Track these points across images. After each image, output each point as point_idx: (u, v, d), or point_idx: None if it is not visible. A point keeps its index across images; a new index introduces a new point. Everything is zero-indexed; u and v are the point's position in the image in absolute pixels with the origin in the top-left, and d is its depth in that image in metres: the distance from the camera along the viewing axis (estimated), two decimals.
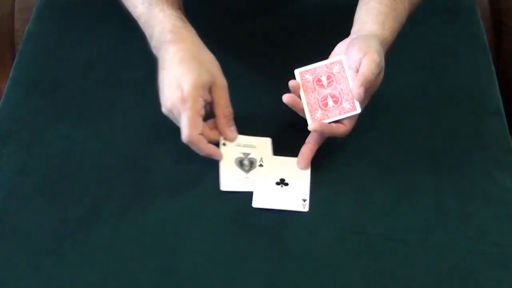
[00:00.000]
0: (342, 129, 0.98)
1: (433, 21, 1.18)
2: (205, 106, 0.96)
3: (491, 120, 1.06)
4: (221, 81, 0.98)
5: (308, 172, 0.99)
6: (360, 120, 1.04)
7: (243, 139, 1.00)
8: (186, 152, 1.01)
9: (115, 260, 0.91)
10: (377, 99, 1.05)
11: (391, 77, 1.08)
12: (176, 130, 1.02)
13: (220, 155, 0.98)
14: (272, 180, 0.98)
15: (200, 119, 0.95)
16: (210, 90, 0.97)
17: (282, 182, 0.98)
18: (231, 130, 0.99)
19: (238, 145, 1.00)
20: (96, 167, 0.99)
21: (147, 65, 1.11)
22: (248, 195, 0.97)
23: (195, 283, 0.89)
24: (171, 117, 0.97)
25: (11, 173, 0.99)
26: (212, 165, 0.99)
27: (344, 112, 0.97)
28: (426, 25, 1.17)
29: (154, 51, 1.00)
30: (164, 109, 0.97)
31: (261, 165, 0.99)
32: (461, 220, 0.95)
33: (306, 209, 0.95)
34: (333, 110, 0.97)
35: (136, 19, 1.04)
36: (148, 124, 1.04)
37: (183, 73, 0.95)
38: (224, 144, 0.99)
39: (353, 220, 0.95)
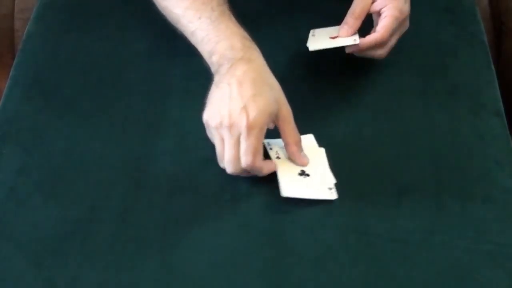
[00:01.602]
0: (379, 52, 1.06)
1: (433, 21, 1.18)
2: None
3: (491, 120, 1.06)
4: (287, 109, 0.96)
5: (325, 161, 0.99)
6: (360, 120, 1.04)
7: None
8: (186, 152, 1.01)
9: (115, 260, 0.91)
10: (377, 99, 1.06)
11: (391, 77, 1.08)
12: (176, 129, 1.02)
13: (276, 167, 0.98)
14: (294, 172, 0.97)
15: (261, 146, 0.94)
16: (275, 117, 0.95)
17: (303, 173, 0.97)
18: (303, 155, 0.98)
19: (283, 147, 0.99)
20: (96, 167, 1.00)
21: (147, 65, 1.11)
22: (248, 195, 0.96)
23: (195, 283, 0.89)
24: (214, 132, 0.94)
25: (11, 173, 0.99)
26: (211, 165, 0.99)
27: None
28: (426, 25, 1.17)
29: (214, 66, 0.98)
30: (212, 122, 0.94)
31: (278, 157, 0.98)
32: (461, 220, 0.95)
33: (335, 196, 0.95)
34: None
35: (189, 35, 1.01)
36: (148, 124, 1.04)
37: (252, 97, 0.93)
38: (271, 149, 0.99)
39: (353, 220, 0.95)
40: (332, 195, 0.96)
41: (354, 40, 1.04)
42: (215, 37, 0.98)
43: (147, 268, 0.90)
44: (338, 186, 0.97)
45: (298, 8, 1.19)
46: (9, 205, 0.96)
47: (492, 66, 1.13)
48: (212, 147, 1.00)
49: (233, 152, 0.94)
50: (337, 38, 1.05)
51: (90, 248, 0.92)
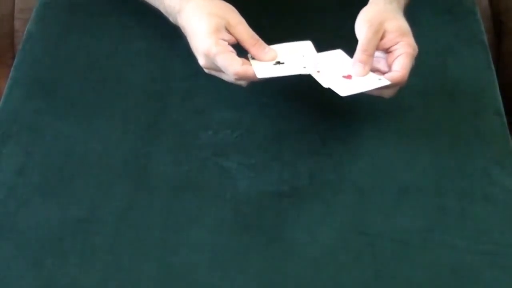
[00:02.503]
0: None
1: (433, 21, 1.18)
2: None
3: (491, 120, 1.06)
4: (235, 19, 1.01)
5: (309, 50, 1.01)
6: (360, 120, 1.04)
7: (279, 48, 1.02)
8: (186, 152, 1.01)
9: (115, 260, 0.91)
10: (377, 99, 1.05)
11: None
12: (176, 129, 1.02)
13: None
14: (270, 62, 1.00)
15: (234, 54, 0.98)
16: (229, 32, 1.00)
17: (278, 63, 0.99)
18: (266, 52, 1.00)
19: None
20: (96, 167, 0.99)
21: (147, 65, 1.11)
22: (248, 195, 0.96)
23: (195, 283, 0.89)
24: (214, 74, 1.01)
25: (11, 173, 0.99)
26: (211, 165, 0.99)
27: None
28: (426, 25, 1.17)
29: (175, 24, 1.06)
30: (206, 71, 1.02)
31: (253, 58, 1.00)
32: (461, 220, 0.95)
33: (309, 72, 0.98)
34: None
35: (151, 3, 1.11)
36: (148, 124, 1.04)
37: (195, 31, 1.00)
38: (253, 58, 1.01)
39: (353, 220, 0.95)
40: (306, 71, 0.97)
41: (380, 80, 0.98)
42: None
43: (147, 268, 0.90)
44: (338, 185, 0.98)
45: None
46: (9, 205, 0.96)
47: (492, 66, 1.13)
48: (211, 146, 1.01)
49: (225, 76, 1.00)
50: (362, 80, 0.99)
51: (90, 248, 0.92)
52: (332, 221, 0.95)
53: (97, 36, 1.15)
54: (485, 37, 1.17)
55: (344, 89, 0.97)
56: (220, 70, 0.99)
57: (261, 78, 0.97)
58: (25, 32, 1.18)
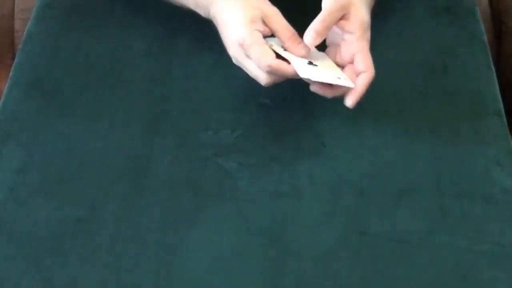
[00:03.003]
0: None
1: (433, 21, 1.18)
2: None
3: (491, 120, 1.06)
4: (271, 10, 1.00)
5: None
6: (361, 120, 1.04)
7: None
8: (186, 152, 1.01)
9: (115, 260, 0.91)
10: (377, 99, 1.06)
11: (390, 77, 1.08)
12: (176, 129, 1.02)
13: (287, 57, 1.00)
14: (304, 60, 0.99)
15: (267, 47, 0.98)
16: (264, 23, 0.99)
17: (311, 64, 0.99)
18: (301, 47, 1.00)
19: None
20: (96, 167, 1.00)
21: (147, 65, 1.11)
22: (248, 194, 0.96)
23: (195, 283, 0.89)
24: (241, 65, 1.00)
25: (11, 173, 0.99)
26: (211, 165, 0.99)
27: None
28: (426, 25, 1.17)
29: (206, 16, 1.05)
30: (234, 61, 1.01)
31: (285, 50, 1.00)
32: (461, 220, 0.95)
33: (351, 84, 0.97)
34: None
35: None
36: (148, 124, 1.04)
37: (230, 20, 0.99)
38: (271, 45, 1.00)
39: (353, 220, 0.95)
40: (348, 82, 0.97)
41: (345, 80, 0.98)
42: None
43: (147, 268, 0.90)
44: (338, 186, 0.98)
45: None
46: (9, 205, 0.96)
47: (492, 66, 1.13)
48: (211, 146, 1.01)
49: (251, 68, 0.99)
50: (332, 74, 0.98)
51: (90, 248, 0.92)
52: (332, 221, 0.95)
53: (97, 36, 1.15)
54: (485, 37, 1.17)
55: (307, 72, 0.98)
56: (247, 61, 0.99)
57: (303, 77, 0.97)
58: (25, 32, 1.18)
